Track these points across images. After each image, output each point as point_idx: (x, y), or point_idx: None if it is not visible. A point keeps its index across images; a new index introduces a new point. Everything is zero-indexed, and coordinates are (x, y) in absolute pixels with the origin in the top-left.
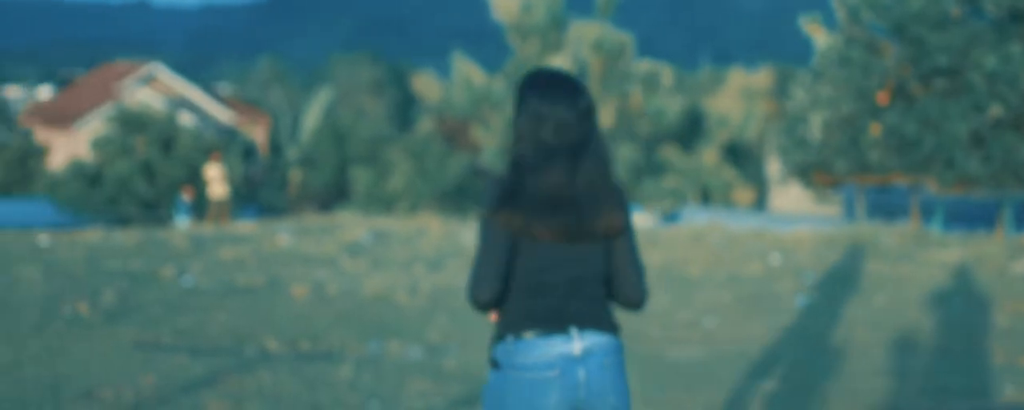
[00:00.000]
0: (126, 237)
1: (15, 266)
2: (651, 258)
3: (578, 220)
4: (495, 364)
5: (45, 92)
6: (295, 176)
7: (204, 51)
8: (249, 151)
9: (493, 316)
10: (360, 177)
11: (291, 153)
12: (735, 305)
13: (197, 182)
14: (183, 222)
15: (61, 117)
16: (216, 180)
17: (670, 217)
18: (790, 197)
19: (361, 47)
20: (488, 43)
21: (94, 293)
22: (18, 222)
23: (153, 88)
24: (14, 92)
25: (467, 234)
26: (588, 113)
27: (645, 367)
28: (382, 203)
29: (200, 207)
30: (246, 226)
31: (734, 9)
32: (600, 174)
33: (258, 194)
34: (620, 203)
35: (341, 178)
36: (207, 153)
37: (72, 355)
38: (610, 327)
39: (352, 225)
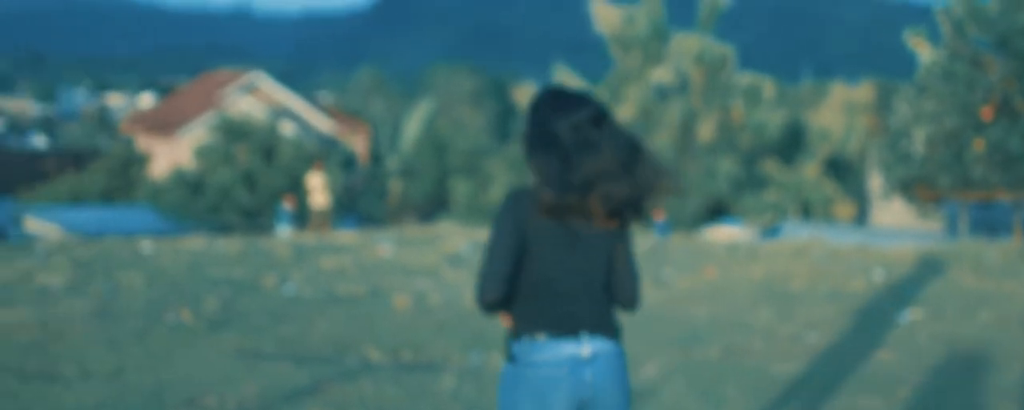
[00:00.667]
0: (228, 245)
1: (119, 273)
2: (752, 272)
3: (631, 189)
4: (511, 358)
5: (147, 100)
6: (395, 186)
7: (305, 60)
8: (349, 161)
9: (504, 320)
10: (460, 188)
11: (391, 163)
12: (838, 320)
13: (298, 191)
14: (284, 231)
15: (163, 125)
16: (318, 189)
17: (771, 231)
18: (892, 212)
19: (462, 57)
20: (590, 55)
21: (197, 301)
22: (121, 229)
23: (255, 97)
24: (116, 100)
25: None
26: (601, 115)
27: (748, 381)
28: (482, 214)
29: (301, 216)
30: (346, 236)
31: (836, 22)
32: (638, 149)
33: (358, 204)
34: (664, 169)
35: (441, 189)
36: (308, 162)
37: (175, 362)
38: (614, 333)
39: (452, 236)
